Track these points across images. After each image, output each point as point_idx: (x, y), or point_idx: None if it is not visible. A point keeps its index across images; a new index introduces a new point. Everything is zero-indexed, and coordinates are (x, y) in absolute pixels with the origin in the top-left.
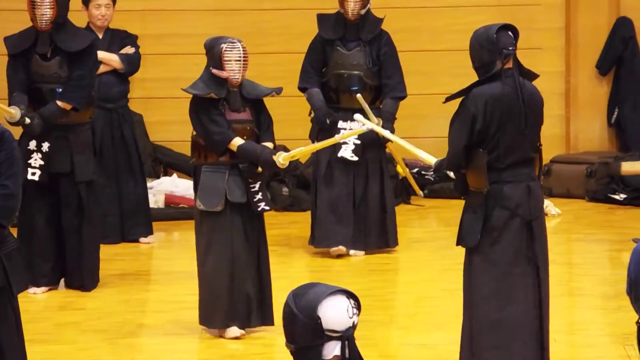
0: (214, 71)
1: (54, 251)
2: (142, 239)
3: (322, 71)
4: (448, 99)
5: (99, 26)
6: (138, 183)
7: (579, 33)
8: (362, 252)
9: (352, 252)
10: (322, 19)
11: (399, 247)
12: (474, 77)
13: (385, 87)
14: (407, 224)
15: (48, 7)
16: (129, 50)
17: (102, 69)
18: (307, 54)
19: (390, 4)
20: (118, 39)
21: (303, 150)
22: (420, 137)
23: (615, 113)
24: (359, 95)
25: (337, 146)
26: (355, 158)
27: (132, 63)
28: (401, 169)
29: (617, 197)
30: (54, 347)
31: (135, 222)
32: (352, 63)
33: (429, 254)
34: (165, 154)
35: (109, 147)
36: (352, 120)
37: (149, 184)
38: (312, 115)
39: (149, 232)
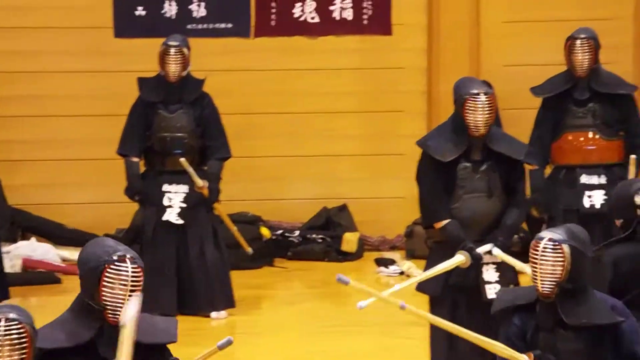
0: None
1: None
2: None
3: (146, 135)
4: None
5: None
6: None
7: (441, 96)
8: (225, 314)
9: (213, 314)
10: (142, 82)
11: (262, 308)
12: (338, 138)
13: (209, 149)
14: (271, 286)
15: None
16: None
17: None
18: (129, 118)
19: (252, 66)
20: None
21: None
22: (283, 199)
23: None
24: (182, 159)
25: (163, 209)
26: (181, 221)
27: None
28: (265, 231)
29: None
30: None
31: None
32: (175, 125)
33: (294, 316)
34: (24, 218)
35: None
36: (178, 183)
37: (5, 248)
38: (127, 186)
39: (5, 296)
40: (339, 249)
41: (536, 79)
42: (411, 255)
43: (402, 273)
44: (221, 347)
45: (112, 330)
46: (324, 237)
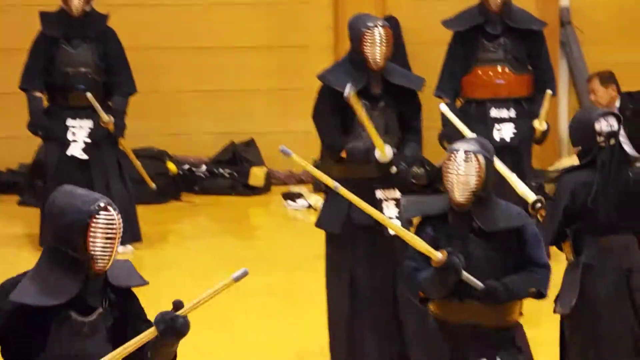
0: None
1: None
2: None
3: (48, 70)
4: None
5: None
6: None
7: (347, 31)
8: (131, 248)
9: (120, 249)
10: (44, 16)
11: (169, 243)
12: (245, 73)
13: (114, 85)
14: (177, 221)
15: None
16: None
17: None
18: (31, 53)
19: (159, 43)
20: None
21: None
22: (190, 134)
23: None
24: (89, 94)
25: (67, 144)
26: (85, 156)
27: None
28: (171, 166)
29: None
30: None
31: None
32: (78, 60)
33: (199, 251)
34: None
35: None
36: (82, 117)
37: None
38: (30, 121)
39: None
40: (247, 184)
41: (443, 13)
42: (318, 189)
43: (309, 207)
44: (237, 279)
45: (97, 279)
46: (231, 172)
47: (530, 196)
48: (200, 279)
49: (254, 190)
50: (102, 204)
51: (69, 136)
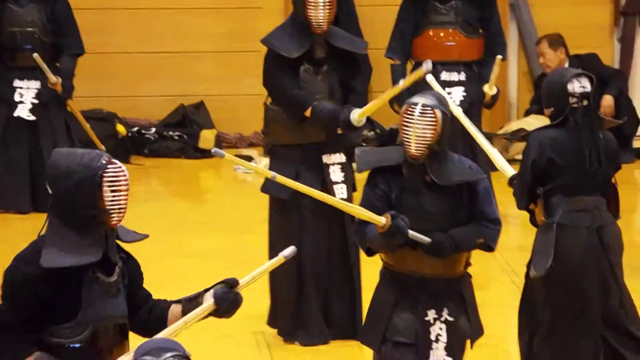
0: None
1: None
2: None
3: None
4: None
5: None
6: None
7: None
8: None
9: None
10: None
11: None
12: (194, 35)
13: (62, 45)
14: None
15: None
16: None
17: None
18: None
19: (108, 4)
20: None
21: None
22: (139, 96)
23: None
24: (36, 55)
25: (14, 105)
26: (33, 118)
27: None
28: (120, 128)
29: None
30: None
31: None
32: (26, 20)
33: (149, 214)
34: None
35: None
36: (30, 78)
37: None
38: None
39: None
40: (196, 146)
41: None
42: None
43: None
44: (287, 257)
45: (112, 235)
46: (180, 134)
47: (508, 171)
48: (151, 243)
49: (203, 153)
50: (107, 158)
51: (16, 97)
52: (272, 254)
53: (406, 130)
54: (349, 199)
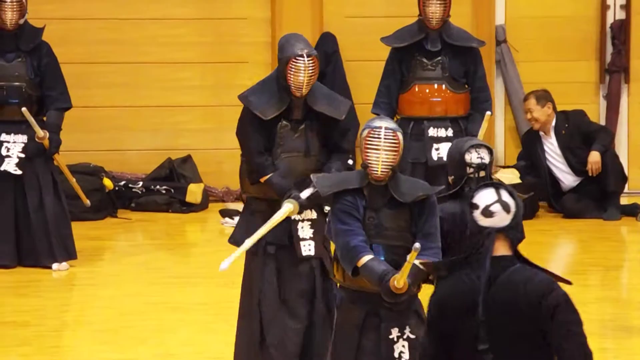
0: None
1: None
2: None
3: None
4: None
5: None
6: None
7: None
8: (66, 265)
9: (54, 266)
10: None
11: (104, 260)
12: (181, 89)
13: (48, 99)
14: (113, 237)
15: None
16: None
17: None
18: None
19: (90, 14)
20: None
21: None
22: (126, 150)
23: None
24: (24, 109)
25: (0, 159)
26: (19, 172)
27: None
28: (107, 182)
29: None
30: None
31: None
32: (12, 74)
33: (134, 268)
34: None
35: None
36: (16, 132)
37: None
38: None
39: None
40: (184, 200)
41: (379, 30)
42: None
43: None
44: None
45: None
46: (167, 188)
47: None
48: (136, 296)
49: (191, 207)
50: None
51: (3, 151)
52: (240, 305)
53: (371, 153)
54: (317, 256)
